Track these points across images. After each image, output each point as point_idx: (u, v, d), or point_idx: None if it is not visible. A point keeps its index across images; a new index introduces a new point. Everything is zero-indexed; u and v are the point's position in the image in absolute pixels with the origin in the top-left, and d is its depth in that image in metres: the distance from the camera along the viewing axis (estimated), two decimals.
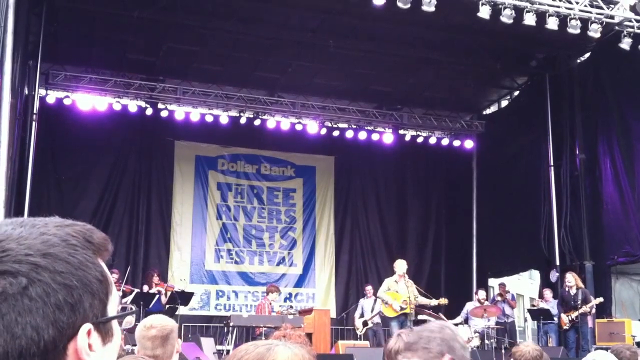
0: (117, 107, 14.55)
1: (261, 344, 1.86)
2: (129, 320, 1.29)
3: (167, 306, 12.60)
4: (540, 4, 11.08)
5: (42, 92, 13.96)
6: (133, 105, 14.73)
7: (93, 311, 0.97)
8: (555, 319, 12.64)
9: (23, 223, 1.03)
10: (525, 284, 24.26)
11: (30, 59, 12.84)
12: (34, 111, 12.80)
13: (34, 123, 12.66)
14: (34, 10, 11.98)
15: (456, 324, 12.84)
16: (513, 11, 10.91)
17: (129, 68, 14.72)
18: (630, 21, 11.53)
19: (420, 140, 17.04)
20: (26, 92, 12.76)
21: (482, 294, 13.86)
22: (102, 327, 0.98)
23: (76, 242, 1.01)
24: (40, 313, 0.92)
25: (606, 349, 5.31)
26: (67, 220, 1.08)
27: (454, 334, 2.47)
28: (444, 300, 11.91)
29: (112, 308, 1.01)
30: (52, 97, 14.35)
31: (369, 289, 13.88)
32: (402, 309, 10.95)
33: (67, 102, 14.32)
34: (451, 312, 13.59)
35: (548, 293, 13.44)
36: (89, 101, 14.42)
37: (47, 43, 12.66)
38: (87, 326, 0.95)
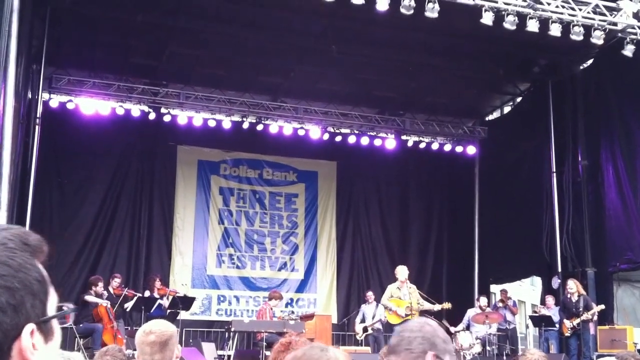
0: (120, 111, 14.58)
1: (316, 345, 1.99)
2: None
3: (169, 311, 12.60)
4: (543, 10, 11.08)
5: (46, 96, 13.99)
6: (136, 110, 14.75)
7: (35, 311, 0.99)
8: (557, 325, 12.61)
9: None
10: (527, 291, 24.22)
11: (34, 63, 12.86)
12: (37, 115, 12.83)
13: (37, 127, 12.70)
14: (38, 15, 12.00)
15: (458, 331, 12.83)
16: (516, 17, 10.91)
17: (132, 72, 14.75)
18: (633, 28, 11.52)
19: (422, 145, 17.04)
20: (29, 96, 12.77)
21: (483, 300, 13.84)
22: (44, 326, 1.01)
23: (14, 245, 1.01)
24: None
25: (609, 356, 5.28)
26: (2, 224, 1.10)
27: (434, 330, 2.48)
28: (447, 305, 11.90)
29: (51, 307, 1.04)
30: (55, 101, 14.37)
31: (370, 294, 13.86)
32: (406, 315, 10.94)
33: (70, 106, 14.34)
34: (453, 318, 13.58)
35: (550, 300, 13.41)
36: (92, 105, 14.44)
37: (51, 47, 12.71)
38: (30, 326, 0.98)
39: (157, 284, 12.99)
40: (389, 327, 12.23)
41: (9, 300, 0.96)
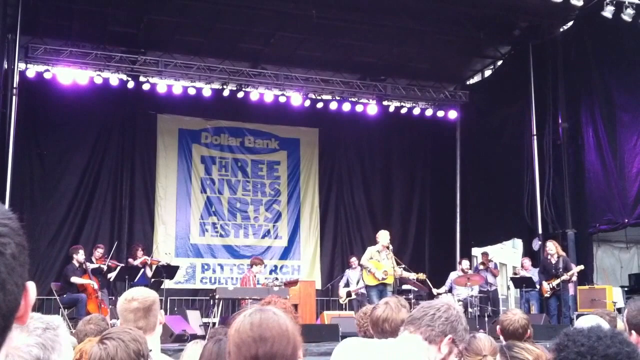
0: (98, 80, 14.38)
1: (268, 309, 1.98)
2: None
3: (153, 280, 12.64)
4: None
5: (22, 66, 13.77)
6: (114, 79, 14.56)
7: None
8: (537, 286, 12.79)
9: None
10: (508, 253, 24.49)
11: (9, 33, 12.65)
12: (14, 85, 12.65)
13: (14, 97, 12.53)
14: None
15: (440, 293, 12.99)
16: None
17: (109, 41, 14.53)
18: None
19: (404, 111, 17.02)
20: (5, 66, 12.59)
21: (465, 263, 14.00)
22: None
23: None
24: (19, 271, 0.98)
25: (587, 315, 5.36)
26: None
27: (459, 315, 2.51)
28: (422, 276, 12.02)
29: None
30: (32, 71, 14.16)
31: (353, 260, 13.96)
32: (382, 278, 11.03)
33: (47, 76, 14.12)
34: (436, 281, 13.72)
35: (527, 262, 13.61)
36: (70, 75, 14.23)
37: (26, 16, 12.49)
38: (31, 283, 1.03)
39: (139, 253, 13.00)
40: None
41: (26, 258, 1.02)
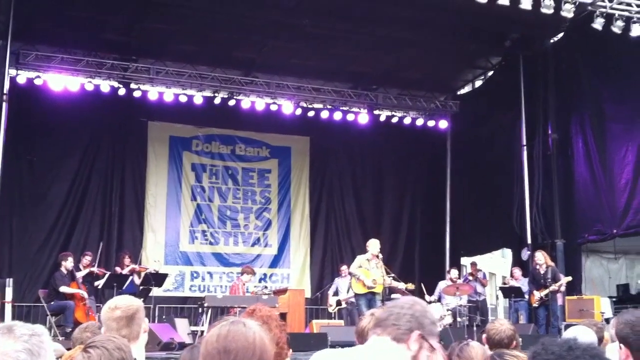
0: (90, 87, 14.36)
1: (238, 321, 1.97)
2: None
3: (141, 287, 12.59)
4: None
5: (13, 72, 13.74)
6: (105, 86, 14.54)
7: None
8: (526, 296, 12.82)
9: None
10: (498, 263, 24.55)
11: (0, 39, 12.62)
12: (4, 91, 12.61)
13: (4, 104, 12.48)
14: None
15: (429, 302, 12.99)
16: None
17: (101, 48, 14.52)
18: (603, 1, 11.57)
19: (395, 120, 17.06)
20: None
21: (454, 272, 14.02)
22: None
23: None
24: None
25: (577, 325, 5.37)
26: None
27: (424, 310, 2.49)
28: (411, 286, 12.03)
29: None
30: (22, 77, 14.11)
31: (343, 268, 13.94)
32: (370, 287, 11.02)
33: (38, 82, 14.09)
34: (425, 290, 13.72)
35: (517, 271, 13.63)
36: (61, 81, 14.21)
37: (18, 22, 12.46)
38: None
39: (127, 260, 12.96)
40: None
41: None
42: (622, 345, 3.15)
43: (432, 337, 2.45)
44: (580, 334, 4.31)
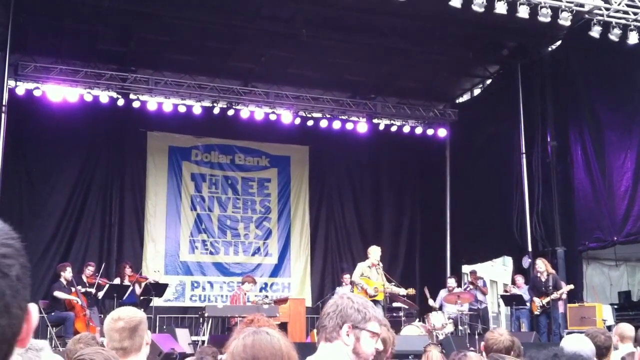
0: (88, 98, 14.36)
1: (261, 330, 1.99)
2: None
3: (142, 298, 12.56)
4: None
5: (11, 83, 13.75)
6: (104, 96, 14.56)
7: None
8: (528, 304, 12.79)
9: None
10: (498, 271, 24.51)
11: None
12: (3, 103, 12.62)
13: (3, 115, 12.48)
14: (2, 1, 11.78)
15: (432, 307, 13.00)
16: (484, 0, 10.95)
17: (99, 59, 14.55)
18: (600, 9, 11.62)
19: (394, 129, 17.08)
20: None
21: (451, 282, 13.97)
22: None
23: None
24: (23, 294, 0.96)
25: (580, 333, 5.34)
26: None
27: (348, 301, 2.46)
28: (411, 291, 12.02)
29: None
30: (21, 88, 14.13)
31: (346, 277, 13.89)
32: (372, 296, 11.00)
33: (37, 93, 14.10)
34: (429, 294, 13.71)
35: (520, 279, 13.60)
36: (60, 92, 14.22)
37: (16, 34, 12.48)
38: (33, 305, 1.02)
39: (128, 271, 12.93)
40: None
41: (29, 279, 1.00)
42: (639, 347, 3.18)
43: (369, 323, 2.40)
44: (575, 342, 4.27)
